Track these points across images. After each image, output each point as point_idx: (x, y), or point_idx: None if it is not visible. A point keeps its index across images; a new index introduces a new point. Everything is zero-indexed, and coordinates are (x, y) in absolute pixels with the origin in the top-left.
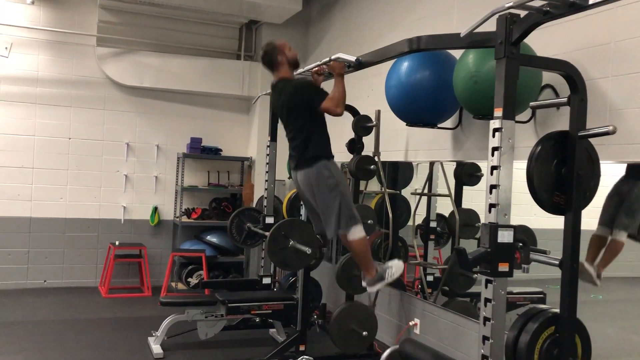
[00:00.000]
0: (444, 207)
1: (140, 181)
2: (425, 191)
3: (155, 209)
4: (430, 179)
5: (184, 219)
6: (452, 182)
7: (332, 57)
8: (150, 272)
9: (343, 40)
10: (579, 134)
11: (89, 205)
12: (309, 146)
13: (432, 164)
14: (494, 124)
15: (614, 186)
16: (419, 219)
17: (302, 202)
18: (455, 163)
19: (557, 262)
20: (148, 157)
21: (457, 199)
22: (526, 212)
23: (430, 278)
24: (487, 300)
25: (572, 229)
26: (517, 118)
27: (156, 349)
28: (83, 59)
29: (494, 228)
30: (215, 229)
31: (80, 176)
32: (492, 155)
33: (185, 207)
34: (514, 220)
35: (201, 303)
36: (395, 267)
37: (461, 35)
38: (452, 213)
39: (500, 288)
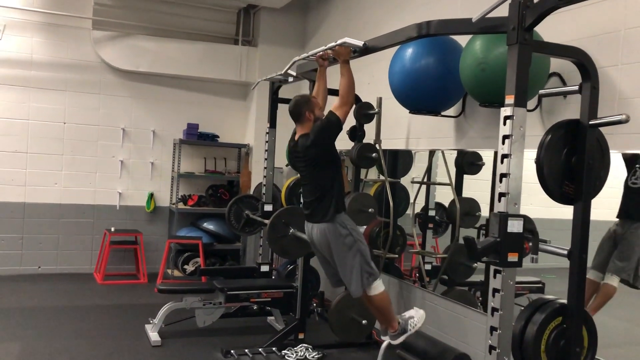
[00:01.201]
0: (443, 196)
1: (136, 167)
2: (425, 180)
3: (151, 196)
4: (430, 167)
5: (180, 205)
6: (452, 170)
7: (338, 42)
8: (146, 259)
9: (343, 26)
10: (590, 123)
11: (84, 191)
12: (327, 200)
13: (431, 152)
14: (505, 111)
15: (608, 231)
16: (417, 208)
17: (315, 252)
18: (456, 152)
19: (565, 253)
20: (144, 142)
21: (458, 188)
22: (522, 201)
23: (428, 267)
24: (495, 290)
25: (582, 219)
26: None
27: (154, 336)
28: (78, 42)
29: (503, 217)
30: (211, 216)
31: (75, 161)
32: (503, 143)
33: (181, 193)
34: None
35: (199, 291)
36: (417, 317)
37: (473, 21)
38: (452, 202)
39: (509, 278)
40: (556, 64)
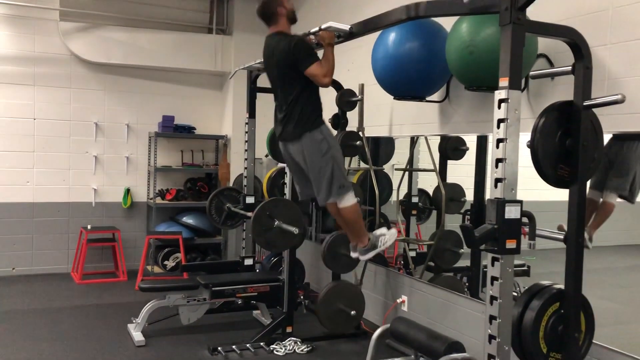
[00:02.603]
0: (426, 182)
1: (111, 162)
2: (409, 167)
3: (128, 191)
4: (412, 154)
5: (158, 200)
6: (436, 156)
7: (323, 27)
8: (125, 256)
9: (322, 11)
10: (585, 104)
11: (58, 189)
12: (302, 114)
13: (413, 138)
14: (500, 94)
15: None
16: (400, 195)
17: (287, 166)
18: (439, 137)
19: (561, 237)
20: (118, 137)
21: (442, 174)
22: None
23: (412, 254)
24: (494, 278)
25: (578, 202)
26: None
27: (137, 336)
28: (46, 34)
29: (500, 204)
30: (191, 209)
31: (47, 158)
32: (498, 127)
33: (159, 188)
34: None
35: (182, 287)
36: (388, 235)
37: (465, 1)
38: (437, 188)
39: (507, 266)
40: (542, 45)
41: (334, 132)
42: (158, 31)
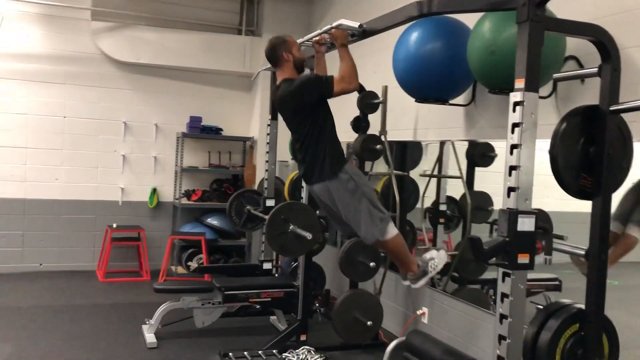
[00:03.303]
0: (455, 189)
1: (139, 161)
2: (436, 172)
3: (154, 191)
4: (440, 159)
5: (184, 200)
6: (463, 163)
7: (334, 25)
8: (150, 255)
9: (351, 13)
10: (611, 109)
11: (86, 187)
12: (322, 157)
13: (442, 143)
14: (515, 96)
15: (633, 184)
16: (428, 202)
17: (320, 208)
18: (467, 143)
19: (582, 252)
20: (146, 136)
21: (469, 181)
22: (537, 194)
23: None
24: (504, 295)
25: (601, 215)
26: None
27: (150, 338)
28: (77, 34)
29: (513, 215)
30: (216, 211)
31: (76, 156)
32: (512, 132)
33: (185, 188)
34: None
35: (197, 290)
36: (437, 258)
37: None
38: (463, 196)
39: (519, 282)
40: (573, 45)
41: (355, 136)
42: (187, 31)
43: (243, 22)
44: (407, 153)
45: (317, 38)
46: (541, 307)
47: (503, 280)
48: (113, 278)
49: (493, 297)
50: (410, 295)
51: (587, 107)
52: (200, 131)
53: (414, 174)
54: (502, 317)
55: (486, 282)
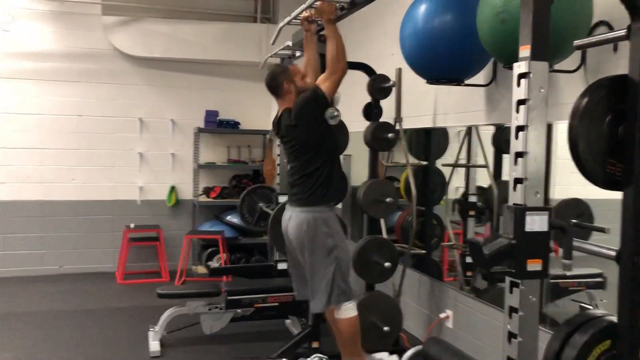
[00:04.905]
0: (486, 178)
1: (156, 159)
2: (460, 162)
3: (172, 189)
4: (468, 147)
5: (202, 198)
6: (490, 150)
7: None
8: (171, 255)
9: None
10: None
11: (103, 186)
12: (314, 180)
13: (469, 129)
14: (519, 67)
15: None
16: (457, 193)
17: (284, 252)
18: (494, 128)
19: (612, 254)
20: (163, 133)
21: (497, 170)
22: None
23: (470, 259)
24: (512, 309)
25: (635, 209)
26: (562, 66)
27: (153, 345)
28: (89, 30)
29: (519, 212)
30: (236, 208)
31: (92, 156)
32: (517, 111)
33: (203, 185)
34: None
35: (203, 294)
36: None
37: None
38: (490, 186)
39: (530, 293)
40: (603, 9)
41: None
42: (201, 22)
43: (258, 9)
44: (431, 141)
45: (306, 14)
46: (587, 306)
47: (511, 291)
48: (131, 280)
49: None
50: (434, 297)
51: (613, 77)
52: (216, 125)
53: (440, 163)
54: (511, 335)
55: None
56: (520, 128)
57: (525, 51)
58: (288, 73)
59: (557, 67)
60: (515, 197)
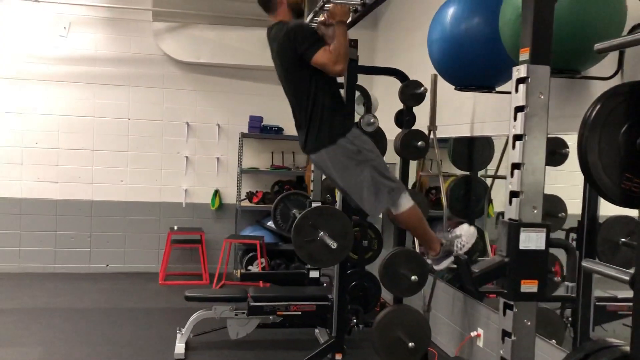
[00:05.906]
0: None
1: (202, 163)
2: (502, 172)
3: (216, 193)
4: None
5: (245, 203)
6: None
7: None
8: (213, 258)
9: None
10: None
11: (150, 188)
12: (321, 121)
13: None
14: (519, 71)
15: None
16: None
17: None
18: None
19: (626, 278)
20: (209, 137)
21: None
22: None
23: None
24: (505, 333)
25: None
26: (597, 72)
27: (178, 348)
28: (140, 35)
29: (514, 227)
30: None
31: (140, 158)
32: (515, 118)
33: (247, 190)
34: None
35: (230, 299)
36: (465, 235)
37: None
38: None
39: (525, 317)
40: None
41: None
42: (246, 28)
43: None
44: (473, 150)
45: (322, 18)
46: None
47: (504, 314)
48: (172, 281)
49: (569, 319)
50: (466, 314)
51: (630, 84)
52: (260, 131)
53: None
54: None
55: (562, 299)
56: (517, 137)
57: (525, 54)
58: None
59: (590, 73)
60: (510, 211)
